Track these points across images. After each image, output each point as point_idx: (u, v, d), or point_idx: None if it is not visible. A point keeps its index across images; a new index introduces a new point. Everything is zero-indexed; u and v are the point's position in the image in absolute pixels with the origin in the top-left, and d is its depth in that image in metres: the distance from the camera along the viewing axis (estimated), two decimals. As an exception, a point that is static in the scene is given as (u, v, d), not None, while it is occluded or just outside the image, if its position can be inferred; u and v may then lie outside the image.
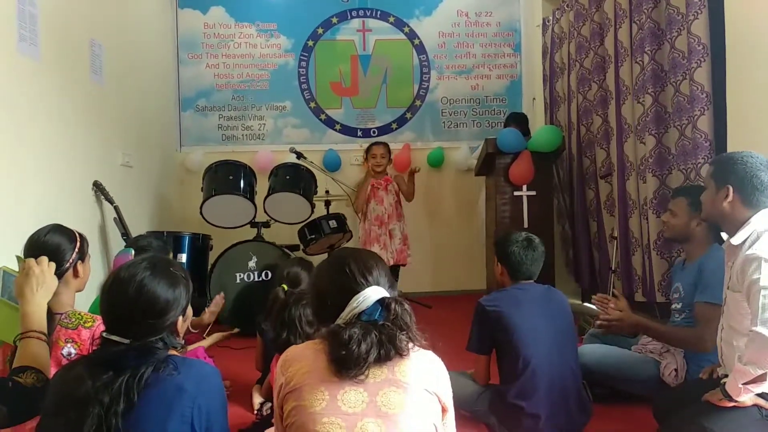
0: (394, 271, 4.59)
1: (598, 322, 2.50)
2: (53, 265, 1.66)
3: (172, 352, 1.33)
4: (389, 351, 1.24)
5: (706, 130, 2.90)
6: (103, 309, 1.32)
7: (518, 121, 4.59)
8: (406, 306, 1.32)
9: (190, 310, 1.45)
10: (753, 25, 2.50)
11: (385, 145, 4.80)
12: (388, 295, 1.32)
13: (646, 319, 2.55)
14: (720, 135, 2.85)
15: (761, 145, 2.41)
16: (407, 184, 4.77)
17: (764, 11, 2.42)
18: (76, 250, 1.84)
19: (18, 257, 1.79)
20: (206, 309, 2.99)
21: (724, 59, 2.70)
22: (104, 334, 1.29)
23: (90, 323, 1.74)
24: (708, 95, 2.89)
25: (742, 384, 1.60)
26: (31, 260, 1.63)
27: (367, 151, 4.80)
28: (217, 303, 3.01)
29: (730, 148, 2.64)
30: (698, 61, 2.90)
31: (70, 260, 1.80)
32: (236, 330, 2.97)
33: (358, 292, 1.31)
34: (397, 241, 4.65)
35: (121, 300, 1.29)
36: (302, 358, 1.29)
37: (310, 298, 1.50)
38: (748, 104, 2.56)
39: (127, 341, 1.26)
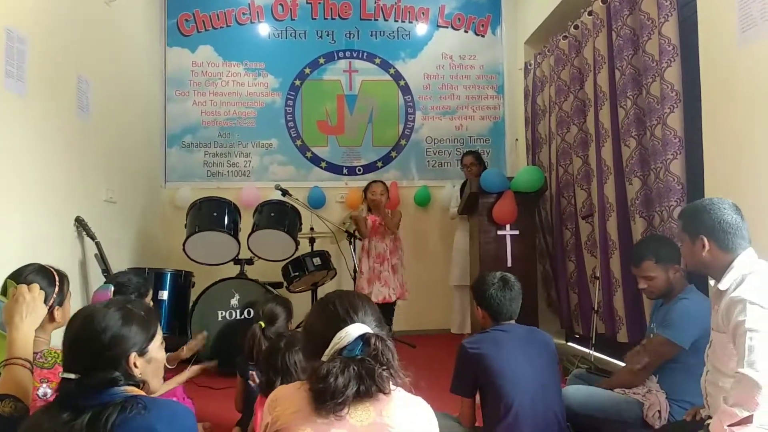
0: (386, 311, 4.56)
1: None
2: (43, 292, 1.66)
3: (138, 391, 1.30)
4: (370, 386, 1.23)
5: (678, 174, 2.97)
6: (62, 347, 1.33)
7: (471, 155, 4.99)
8: (388, 342, 1.31)
9: (158, 353, 1.40)
10: (727, 72, 2.59)
11: (384, 183, 4.87)
12: (369, 330, 1.32)
13: (607, 380, 2.61)
14: (695, 179, 2.92)
15: (738, 189, 2.47)
16: (387, 220, 4.74)
17: (736, 58, 2.52)
18: (55, 294, 1.81)
19: (9, 281, 1.76)
20: (185, 345, 2.94)
21: (699, 105, 2.79)
22: (60, 374, 1.28)
23: (66, 361, 1.70)
24: (680, 140, 2.97)
25: (728, 426, 1.60)
26: (23, 287, 1.62)
27: (367, 188, 4.84)
28: (197, 340, 2.95)
29: (707, 191, 2.70)
30: (671, 107, 3.00)
31: (48, 305, 1.78)
32: (214, 362, 2.89)
33: (342, 329, 1.31)
34: (399, 276, 4.70)
35: (68, 335, 1.30)
36: (290, 398, 1.28)
37: (301, 337, 1.49)
38: (723, 149, 2.63)
39: (74, 376, 1.23)
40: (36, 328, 1.60)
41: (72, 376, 1.24)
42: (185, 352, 2.91)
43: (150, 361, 1.38)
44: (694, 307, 2.30)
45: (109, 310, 1.33)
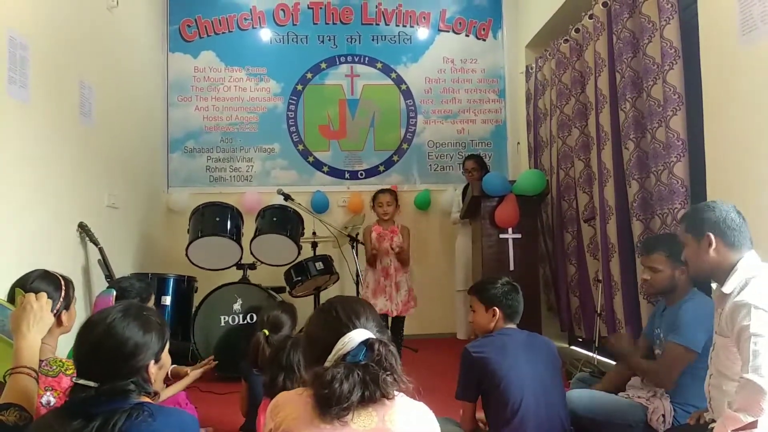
0: (398, 323, 4.46)
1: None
2: (50, 301, 1.66)
3: (146, 399, 1.30)
4: (374, 392, 1.24)
5: (682, 176, 2.97)
6: (74, 352, 1.32)
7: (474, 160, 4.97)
8: (391, 347, 1.31)
9: (167, 358, 1.42)
10: (728, 75, 2.58)
11: (391, 192, 4.50)
12: (372, 336, 1.32)
13: (628, 351, 2.58)
14: (698, 181, 2.91)
15: (740, 191, 2.47)
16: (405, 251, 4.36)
17: (738, 60, 2.51)
18: (61, 299, 1.82)
19: (17, 290, 1.77)
20: (190, 369, 2.75)
21: (701, 108, 2.78)
22: (73, 379, 1.27)
23: (71, 370, 1.71)
24: (684, 142, 2.97)
25: (732, 430, 1.60)
26: (31, 295, 1.63)
27: (374, 199, 4.46)
28: (205, 364, 2.79)
29: (709, 194, 2.70)
30: (674, 110, 2.99)
31: (55, 310, 1.78)
32: (214, 363, 2.83)
33: (345, 335, 1.31)
34: (403, 293, 4.33)
35: (89, 340, 1.29)
36: (292, 404, 1.28)
37: (302, 343, 1.49)
38: (725, 152, 2.63)
39: (93, 384, 1.23)
40: (43, 336, 1.61)
41: (91, 384, 1.23)
42: (192, 373, 2.78)
43: (161, 367, 1.40)
44: (701, 309, 2.28)
45: (129, 318, 1.32)
